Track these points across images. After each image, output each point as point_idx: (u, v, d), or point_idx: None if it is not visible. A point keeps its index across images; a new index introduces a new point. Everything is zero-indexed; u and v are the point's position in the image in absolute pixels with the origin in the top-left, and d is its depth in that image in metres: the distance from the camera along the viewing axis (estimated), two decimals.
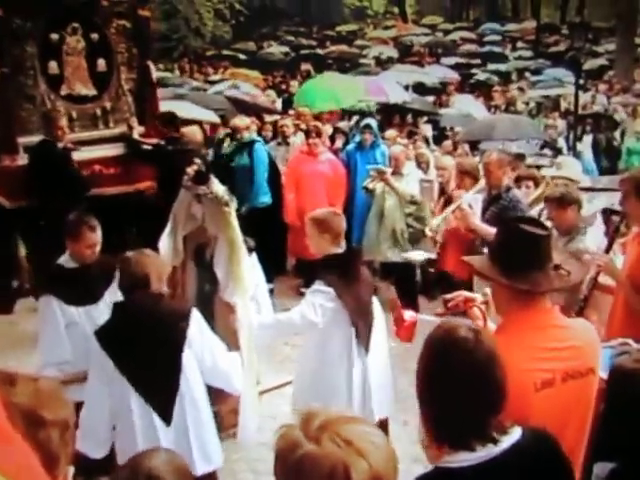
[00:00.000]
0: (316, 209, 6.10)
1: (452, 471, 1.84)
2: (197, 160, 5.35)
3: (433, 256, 6.89)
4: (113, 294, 3.83)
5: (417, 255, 6.99)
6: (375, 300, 4.13)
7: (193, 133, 7.68)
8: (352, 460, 1.38)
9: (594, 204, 5.67)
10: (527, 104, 14.48)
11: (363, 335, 3.94)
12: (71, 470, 1.17)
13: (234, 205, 4.09)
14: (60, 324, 3.87)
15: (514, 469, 1.84)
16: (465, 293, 2.84)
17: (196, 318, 3.48)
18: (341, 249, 3.99)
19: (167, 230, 4.39)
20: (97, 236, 3.96)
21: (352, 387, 3.94)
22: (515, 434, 1.90)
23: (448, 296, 2.87)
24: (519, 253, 2.39)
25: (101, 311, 3.90)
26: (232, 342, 3.86)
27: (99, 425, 3.32)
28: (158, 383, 3.29)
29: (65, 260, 4.06)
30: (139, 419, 3.26)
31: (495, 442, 1.85)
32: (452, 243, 6.40)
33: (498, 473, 1.83)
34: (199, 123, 9.00)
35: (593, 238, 4.77)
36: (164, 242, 4.34)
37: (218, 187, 4.15)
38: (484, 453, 1.84)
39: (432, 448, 1.97)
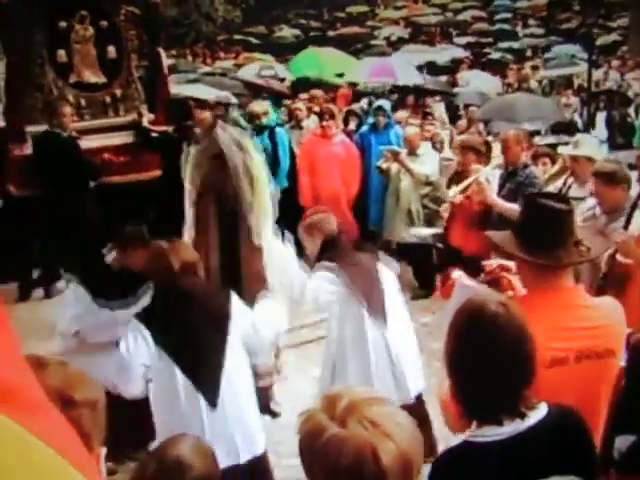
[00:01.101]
0: (331, 191, 6.06)
1: (479, 445, 1.85)
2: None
3: (440, 231, 6.81)
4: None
5: (424, 230, 6.92)
6: (385, 270, 4.06)
7: (204, 115, 7.56)
8: (379, 442, 1.37)
9: None
10: (540, 82, 14.28)
11: (377, 309, 3.86)
12: (103, 450, 1.20)
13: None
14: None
15: (540, 445, 1.84)
16: (501, 261, 2.81)
17: (236, 297, 3.44)
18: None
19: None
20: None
21: (378, 371, 3.83)
22: (542, 410, 1.89)
23: (486, 262, 2.87)
24: (541, 228, 2.37)
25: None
26: (259, 287, 3.84)
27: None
28: (204, 365, 3.24)
29: (109, 260, 4.11)
30: (185, 401, 3.17)
31: (523, 417, 1.85)
32: (458, 217, 6.30)
33: (525, 448, 1.83)
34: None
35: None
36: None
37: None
38: (512, 428, 1.84)
39: (459, 422, 1.99)
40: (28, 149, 6.49)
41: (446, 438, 2.39)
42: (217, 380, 3.22)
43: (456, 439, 1.94)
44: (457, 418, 2.04)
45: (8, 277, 7.13)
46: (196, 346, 3.22)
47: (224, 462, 2.71)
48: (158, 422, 3.25)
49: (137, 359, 3.08)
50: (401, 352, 3.91)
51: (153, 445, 2.39)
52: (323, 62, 11.93)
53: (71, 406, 1.11)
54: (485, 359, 1.86)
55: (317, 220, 4.07)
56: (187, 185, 4.46)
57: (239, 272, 4.45)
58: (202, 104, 7.07)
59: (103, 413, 1.20)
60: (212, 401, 3.19)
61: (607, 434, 2.37)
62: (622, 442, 2.24)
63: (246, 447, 3.28)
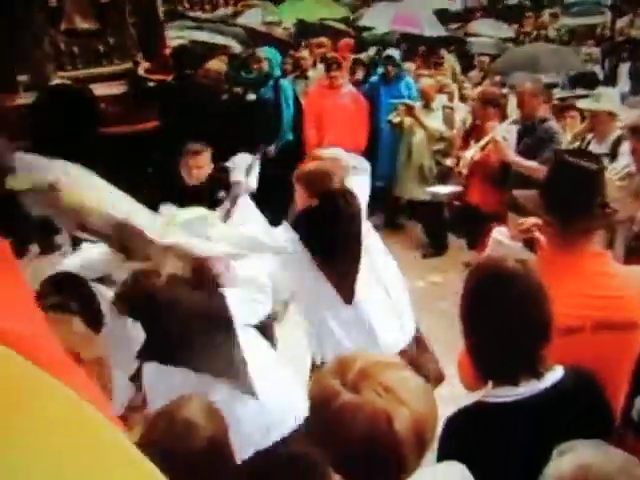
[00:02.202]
0: (338, 144, 5.65)
1: (493, 406, 1.83)
2: None
3: (459, 189, 6.55)
4: None
5: (442, 189, 6.66)
6: (372, 234, 3.67)
7: (218, 66, 7.20)
8: (393, 409, 1.36)
9: None
10: (558, 30, 13.68)
11: (343, 280, 3.45)
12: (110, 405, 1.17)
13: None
14: None
15: (555, 407, 1.82)
16: (534, 220, 2.66)
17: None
18: None
19: None
20: None
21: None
22: (557, 372, 1.88)
23: (520, 220, 2.75)
24: (568, 189, 2.27)
25: None
26: None
27: None
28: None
29: None
30: None
31: (539, 378, 1.83)
32: (478, 175, 6.05)
33: (539, 410, 1.81)
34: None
35: None
36: None
37: None
38: (527, 389, 1.82)
39: (475, 383, 1.99)
40: (19, 99, 6.21)
41: (456, 398, 2.36)
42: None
43: (469, 399, 1.92)
44: (473, 379, 2.02)
45: (3, 233, 6.92)
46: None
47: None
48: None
49: None
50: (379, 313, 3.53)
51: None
52: (310, 5, 11.78)
53: (79, 364, 1.10)
54: (501, 317, 1.83)
55: (314, 171, 3.44)
56: None
57: None
58: (209, 51, 6.76)
59: (109, 369, 1.23)
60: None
61: (627, 398, 2.26)
62: None
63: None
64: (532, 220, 2.65)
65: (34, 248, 6.89)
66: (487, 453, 1.77)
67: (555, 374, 1.86)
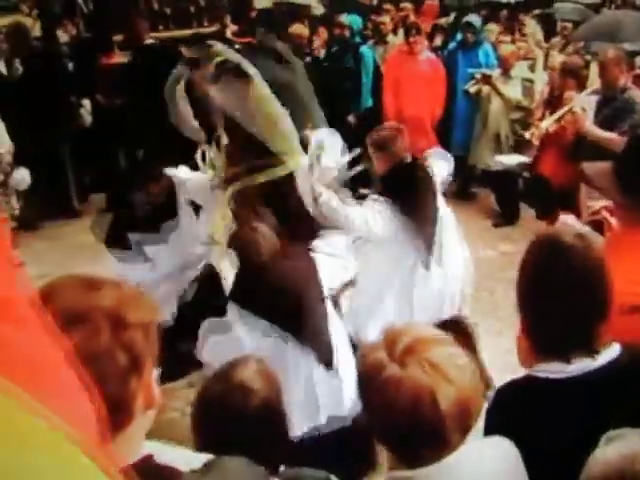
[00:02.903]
0: (415, 111, 5.78)
1: (544, 381, 1.78)
2: None
3: (527, 160, 6.53)
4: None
5: (510, 159, 6.65)
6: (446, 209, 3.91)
7: (301, 30, 7.29)
8: (438, 385, 1.36)
9: None
10: None
11: (428, 246, 3.74)
12: (155, 373, 1.20)
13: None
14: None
15: (608, 386, 1.75)
16: (605, 202, 2.64)
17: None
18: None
19: None
20: None
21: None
22: (614, 350, 1.80)
23: (591, 204, 2.74)
24: None
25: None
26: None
27: None
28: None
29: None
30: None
31: (594, 356, 1.77)
32: (551, 146, 6.01)
33: (591, 388, 1.75)
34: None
35: None
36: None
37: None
38: (579, 367, 1.76)
39: (529, 357, 1.92)
40: (115, 58, 6.54)
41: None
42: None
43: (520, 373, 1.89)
44: (527, 353, 1.96)
45: (98, 188, 7.38)
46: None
47: None
48: None
49: None
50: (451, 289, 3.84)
51: None
52: None
53: (124, 327, 1.10)
54: (558, 291, 1.78)
55: (384, 137, 3.80)
56: None
57: None
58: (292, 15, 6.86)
59: (156, 335, 1.18)
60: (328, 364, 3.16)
61: None
62: None
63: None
64: (601, 203, 2.62)
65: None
66: (535, 429, 1.74)
67: (611, 352, 1.80)
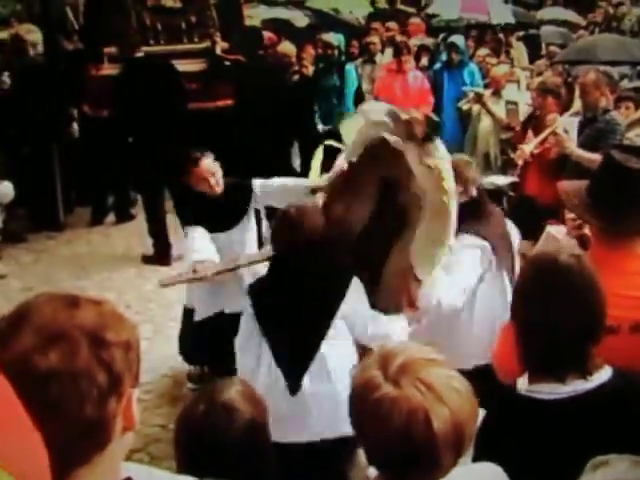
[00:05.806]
0: None
1: (537, 402, 1.77)
2: None
3: (515, 179, 6.63)
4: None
5: (499, 179, 6.73)
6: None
7: (288, 49, 7.37)
8: (432, 406, 1.34)
9: None
10: (629, 20, 13.35)
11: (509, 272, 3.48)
12: (135, 392, 1.16)
13: None
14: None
15: (600, 409, 1.74)
16: None
17: (356, 284, 3.05)
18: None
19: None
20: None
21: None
22: (606, 372, 1.79)
23: (572, 215, 2.74)
24: (612, 190, 2.23)
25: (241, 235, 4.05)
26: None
27: None
28: (296, 350, 2.99)
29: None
30: (264, 380, 2.95)
31: (586, 377, 1.76)
32: (535, 166, 6.09)
33: (583, 411, 1.73)
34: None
35: None
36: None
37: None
38: (572, 388, 1.75)
39: (512, 373, 1.92)
40: (105, 70, 6.58)
41: None
42: (303, 369, 2.99)
43: (506, 390, 1.89)
44: (513, 371, 1.95)
45: (84, 201, 7.40)
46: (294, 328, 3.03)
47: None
48: None
49: None
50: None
51: None
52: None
53: (103, 347, 1.08)
54: (554, 310, 1.77)
55: (461, 165, 3.51)
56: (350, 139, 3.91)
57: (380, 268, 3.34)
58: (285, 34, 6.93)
59: (138, 354, 1.16)
60: (293, 389, 2.96)
61: None
62: None
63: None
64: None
65: (110, 218, 7.34)
66: (524, 450, 1.73)
67: (602, 374, 1.78)
